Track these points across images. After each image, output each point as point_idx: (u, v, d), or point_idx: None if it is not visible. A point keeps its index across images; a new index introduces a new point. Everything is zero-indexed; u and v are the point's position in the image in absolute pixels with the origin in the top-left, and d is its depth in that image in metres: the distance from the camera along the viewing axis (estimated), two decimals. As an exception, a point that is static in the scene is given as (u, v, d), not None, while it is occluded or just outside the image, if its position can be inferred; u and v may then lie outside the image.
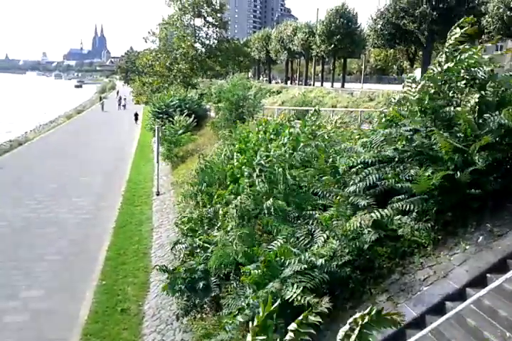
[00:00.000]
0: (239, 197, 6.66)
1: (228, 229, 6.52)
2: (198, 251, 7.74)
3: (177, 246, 8.34)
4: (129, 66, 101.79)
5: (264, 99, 29.53)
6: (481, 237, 5.32)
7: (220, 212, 7.21)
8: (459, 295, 4.84)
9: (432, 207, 5.73)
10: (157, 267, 7.54)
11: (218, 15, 42.59)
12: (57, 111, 57.75)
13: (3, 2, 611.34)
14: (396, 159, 6.40)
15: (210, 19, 42.71)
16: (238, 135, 12.00)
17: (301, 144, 7.38)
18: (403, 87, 7.11)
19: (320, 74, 62.59)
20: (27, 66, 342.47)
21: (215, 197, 8.59)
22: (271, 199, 6.22)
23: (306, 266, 5.27)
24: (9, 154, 25.42)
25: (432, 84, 6.38)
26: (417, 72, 50.73)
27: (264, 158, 7.35)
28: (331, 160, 6.72)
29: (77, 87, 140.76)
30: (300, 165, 6.99)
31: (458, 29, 6.09)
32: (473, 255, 5.14)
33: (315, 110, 10.74)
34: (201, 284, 6.90)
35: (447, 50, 6.19)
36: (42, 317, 8.37)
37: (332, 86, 51.96)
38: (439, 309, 4.79)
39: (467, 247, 5.25)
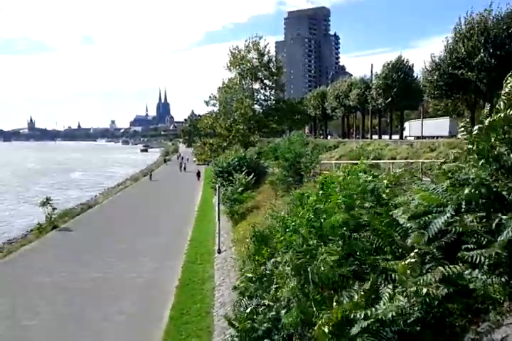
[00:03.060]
0: (288, 255, 6.57)
1: (286, 287, 6.39)
2: (262, 309, 7.60)
3: (238, 306, 8.23)
4: (191, 130, 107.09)
5: (321, 154, 29.68)
6: None
7: (277, 270, 7.11)
8: (544, 357, 4.38)
9: (505, 260, 5.36)
10: (224, 317, 7.43)
11: (275, 78, 44.46)
12: (124, 174, 60.95)
13: (76, 80, 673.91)
14: (462, 209, 6.14)
15: (267, 82, 44.64)
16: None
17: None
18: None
19: (377, 127, 62.44)
20: (97, 133, 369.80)
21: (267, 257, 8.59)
22: (323, 255, 6.08)
23: (373, 320, 5.03)
24: (80, 217, 26.79)
25: (492, 132, 6.20)
26: (406, 125, 53.93)
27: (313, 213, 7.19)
28: (390, 213, 6.54)
29: (142, 151, 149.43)
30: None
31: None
32: (557, 312, 4.69)
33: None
34: (263, 344, 6.71)
35: (504, 98, 6.06)
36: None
37: (390, 138, 51.50)
38: (522, 372, 4.35)
39: (548, 303, 4.81)
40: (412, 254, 5.64)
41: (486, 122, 6.42)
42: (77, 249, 18.27)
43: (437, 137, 43.09)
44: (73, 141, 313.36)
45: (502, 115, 6.12)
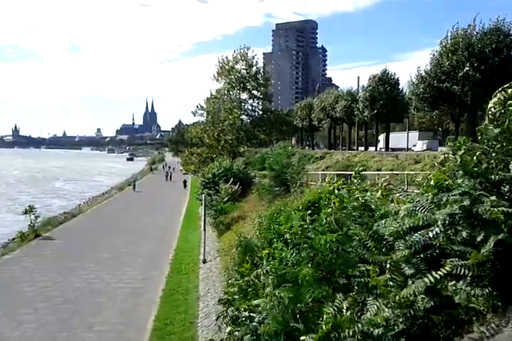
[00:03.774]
0: (272, 264, 6.56)
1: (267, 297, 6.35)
2: (243, 319, 7.53)
3: (221, 318, 8.15)
4: (178, 139, 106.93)
5: (307, 164, 29.83)
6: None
7: (260, 282, 7.08)
8: (528, 369, 4.40)
9: (488, 272, 5.41)
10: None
11: (263, 88, 44.68)
12: (109, 183, 60.47)
13: (62, 88, 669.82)
14: (446, 222, 6.19)
15: (255, 92, 44.83)
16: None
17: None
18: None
19: (363, 139, 63.02)
20: (82, 142, 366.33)
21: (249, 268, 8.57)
22: (307, 269, 6.07)
23: (360, 337, 5.02)
24: (63, 226, 26.42)
25: (477, 148, 6.30)
26: (380, 138, 55.54)
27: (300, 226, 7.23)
28: (376, 224, 6.57)
29: (128, 159, 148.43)
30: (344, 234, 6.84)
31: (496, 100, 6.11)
32: (540, 324, 4.73)
33: (356, 172, 10.65)
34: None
35: (490, 115, 6.18)
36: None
37: (376, 150, 52.02)
38: (505, 384, 4.36)
39: (531, 315, 4.85)
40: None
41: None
42: (60, 257, 17.97)
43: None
44: (58, 148, 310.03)
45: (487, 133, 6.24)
